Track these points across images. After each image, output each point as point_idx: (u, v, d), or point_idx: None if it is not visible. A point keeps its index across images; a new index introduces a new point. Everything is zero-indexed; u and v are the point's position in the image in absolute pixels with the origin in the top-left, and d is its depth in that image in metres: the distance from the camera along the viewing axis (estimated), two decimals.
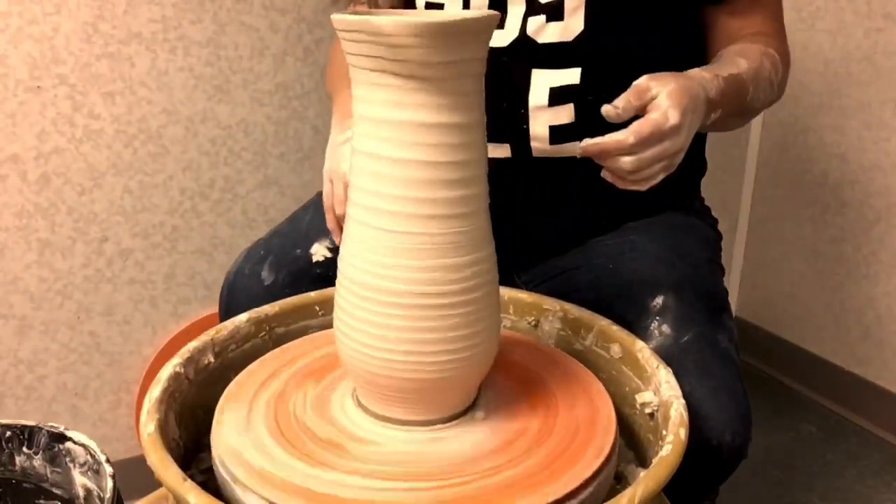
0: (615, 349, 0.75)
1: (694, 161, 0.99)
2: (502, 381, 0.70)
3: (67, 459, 0.59)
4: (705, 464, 0.74)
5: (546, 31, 0.86)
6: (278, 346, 0.78)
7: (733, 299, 1.94)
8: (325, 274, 0.90)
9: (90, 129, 1.23)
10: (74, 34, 1.19)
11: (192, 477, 0.56)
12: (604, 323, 0.77)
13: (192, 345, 0.73)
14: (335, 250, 0.91)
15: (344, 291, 0.61)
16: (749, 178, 1.87)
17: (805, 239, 1.77)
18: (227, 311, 0.94)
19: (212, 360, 0.74)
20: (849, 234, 1.67)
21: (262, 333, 0.80)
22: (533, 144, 0.89)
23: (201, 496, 0.53)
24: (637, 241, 0.89)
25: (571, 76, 0.86)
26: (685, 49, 0.92)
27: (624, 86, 0.82)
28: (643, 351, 0.72)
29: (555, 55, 0.87)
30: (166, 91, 1.27)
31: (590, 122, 0.87)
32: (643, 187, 0.71)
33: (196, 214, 1.35)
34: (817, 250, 1.75)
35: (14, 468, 0.65)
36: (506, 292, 0.83)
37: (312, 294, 0.83)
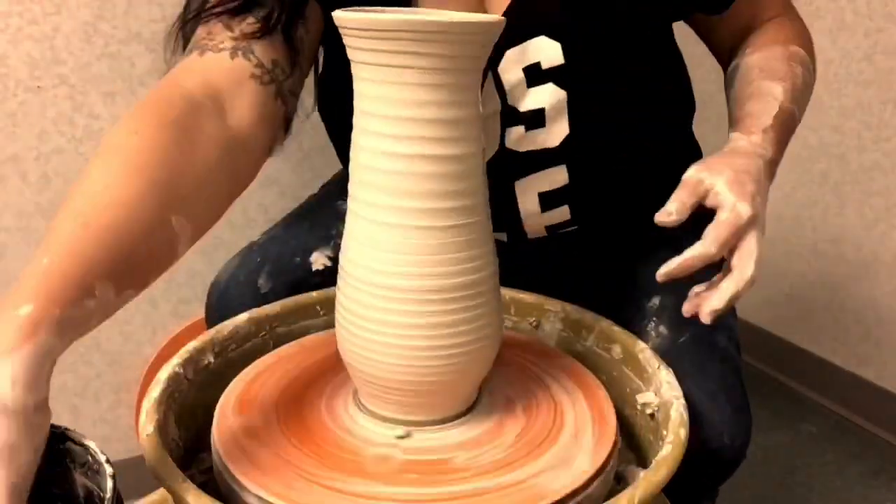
0: (616, 350, 0.75)
1: (692, 160, 0.98)
2: (503, 382, 0.70)
3: (67, 459, 0.59)
4: (704, 465, 0.74)
5: (526, 141, 0.79)
6: (279, 346, 0.78)
7: None
8: (324, 283, 0.87)
9: (90, 129, 1.23)
10: (74, 34, 1.19)
11: (191, 477, 0.56)
12: (605, 324, 0.77)
13: (192, 345, 0.73)
14: (335, 259, 0.88)
15: (345, 288, 0.61)
16: None
17: (805, 239, 1.77)
18: (219, 319, 0.84)
19: (212, 360, 0.74)
20: (849, 234, 1.67)
21: (263, 333, 0.80)
22: (529, 235, 0.86)
23: (201, 496, 0.53)
24: (636, 242, 0.89)
25: (558, 176, 0.81)
26: (677, 103, 0.88)
27: (618, 173, 0.78)
28: (644, 352, 0.72)
29: (535, 161, 0.80)
30: None
31: (588, 219, 0.85)
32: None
33: None
34: (817, 250, 1.75)
35: None
36: (507, 293, 0.83)
37: (314, 294, 0.83)
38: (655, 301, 0.82)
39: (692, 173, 0.66)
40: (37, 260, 0.53)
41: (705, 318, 0.64)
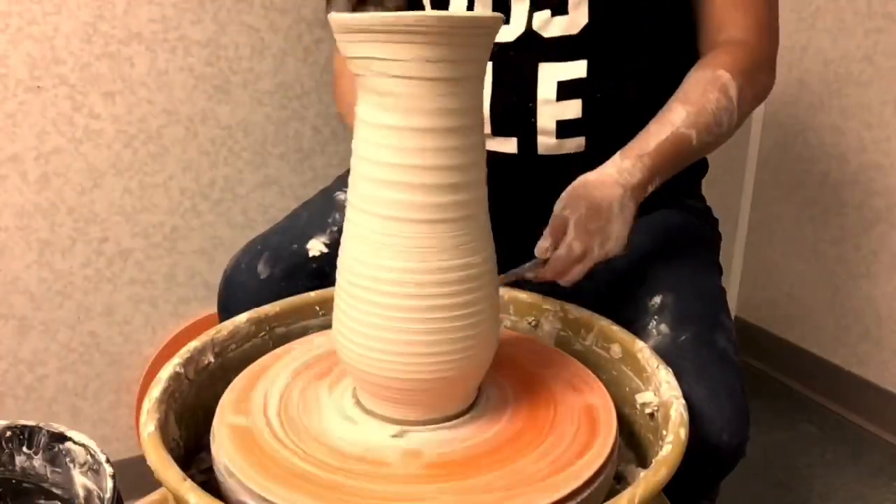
0: (615, 349, 0.75)
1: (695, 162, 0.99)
2: (502, 381, 0.70)
3: (67, 459, 0.59)
4: (704, 463, 0.74)
5: (551, 26, 0.88)
6: (278, 346, 0.78)
7: (733, 299, 1.94)
8: (321, 269, 0.91)
9: (90, 129, 1.23)
10: (74, 34, 1.19)
11: (192, 477, 0.56)
12: (604, 323, 0.77)
13: (192, 345, 0.73)
14: (331, 245, 0.92)
15: (343, 293, 0.61)
16: (749, 178, 1.87)
17: (805, 239, 1.77)
18: (224, 306, 0.94)
19: (212, 360, 0.74)
20: (849, 235, 1.67)
21: (262, 333, 0.80)
22: (539, 139, 0.90)
23: (201, 496, 0.53)
24: (635, 240, 0.89)
25: (578, 69, 0.88)
26: (688, 34, 0.93)
27: (629, 78, 0.85)
28: (643, 351, 0.72)
29: (561, 48, 0.88)
30: (166, 91, 1.27)
31: (596, 118, 0.89)
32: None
33: (196, 214, 1.35)
34: (817, 250, 1.75)
35: (14, 468, 0.65)
36: (506, 292, 0.84)
37: (312, 294, 0.83)
38: (657, 300, 0.82)
39: (557, 211, 0.77)
40: None
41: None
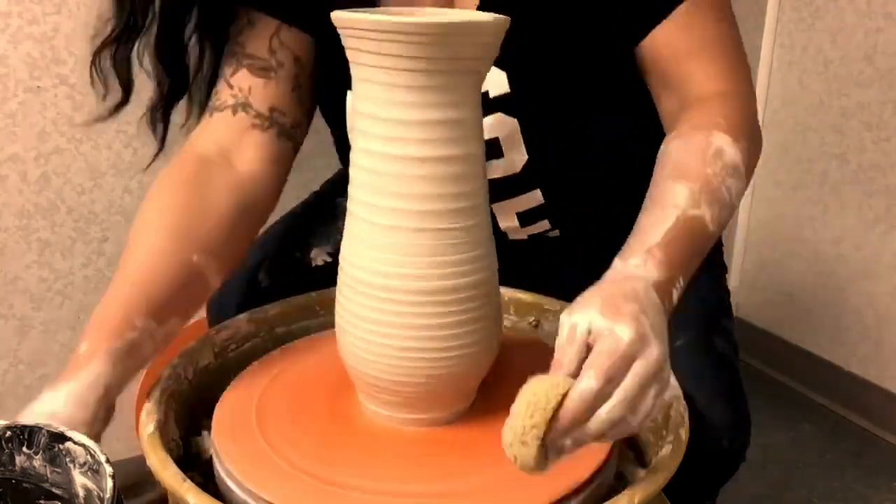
0: None
1: None
2: (502, 382, 0.70)
3: (67, 459, 0.59)
4: (705, 468, 0.74)
5: (491, 169, 0.77)
6: (278, 346, 0.78)
7: (733, 299, 1.93)
8: (324, 279, 0.87)
9: (90, 129, 1.23)
10: (74, 34, 1.18)
11: (191, 477, 0.56)
12: None
13: (192, 345, 0.73)
14: (335, 255, 0.89)
15: (345, 289, 0.61)
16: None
17: (805, 239, 1.77)
18: (217, 315, 0.89)
19: (211, 360, 0.74)
20: (849, 234, 1.67)
21: (262, 333, 0.80)
22: (511, 238, 0.87)
23: (200, 496, 0.53)
24: None
25: (534, 198, 0.82)
26: (648, 119, 0.81)
27: (592, 183, 0.77)
28: None
29: (508, 187, 0.81)
30: None
31: (569, 230, 0.87)
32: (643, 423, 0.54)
33: None
34: (817, 250, 1.75)
35: (14, 468, 0.65)
36: (506, 292, 0.83)
37: (313, 294, 0.83)
38: None
39: (564, 319, 0.56)
40: (95, 311, 0.66)
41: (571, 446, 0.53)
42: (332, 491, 0.56)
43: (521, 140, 0.78)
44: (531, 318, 0.83)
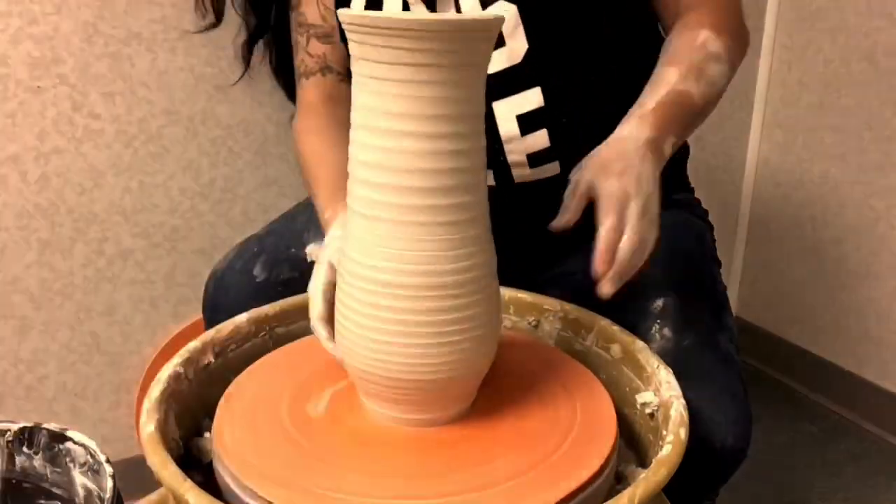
0: (615, 349, 0.75)
1: None
2: (502, 381, 0.70)
3: (67, 459, 0.59)
4: (706, 466, 0.74)
5: (492, 61, 0.81)
6: (278, 346, 0.78)
7: (733, 299, 1.94)
8: None
9: (90, 129, 1.23)
10: (74, 34, 1.18)
11: (191, 477, 0.56)
12: (604, 323, 0.77)
13: (192, 345, 0.73)
14: None
15: (344, 285, 0.61)
16: (749, 179, 1.87)
17: (805, 239, 1.77)
18: (213, 307, 0.93)
19: (212, 360, 0.74)
20: (849, 234, 1.67)
21: (262, 333, 0.80)
22: (514, 171, 0.89)
23: (201, 496, 0.53)
24: None
25: (534, 98, 0.85)
26: (646, 31, 0.91)
27: (591, 95, 0.82)
28: (643, 351, 0.72)
29: (508, 81, 0.85)
30: (166, 91, 1.27)
31: (566, 144, 0.88)
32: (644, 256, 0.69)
33: (196, 214, 1.35)
34: (817, 250, 1.75)
35: (14, 468, 0.65)
36: (506, 292, 0.83)
37: None
38: (658, 303, 0.82)
39: (570, 179, 0.73)
40: (322, 185, 0.84)
41: (607, 289, 0.67)
42: (332, 491, 0.56)
43: (521, 26, 0.84)
44: (531, 318, 0.83)
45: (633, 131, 0.73)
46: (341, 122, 0.84)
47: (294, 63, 1.01)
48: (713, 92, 0.81)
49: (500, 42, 0.84)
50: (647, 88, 0.79)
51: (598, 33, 0.87)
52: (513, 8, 0.83)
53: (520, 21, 0.83)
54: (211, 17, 1.16)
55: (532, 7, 0.83)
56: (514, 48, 0.84)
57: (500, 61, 0.84)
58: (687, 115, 0.78)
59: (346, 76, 0.95)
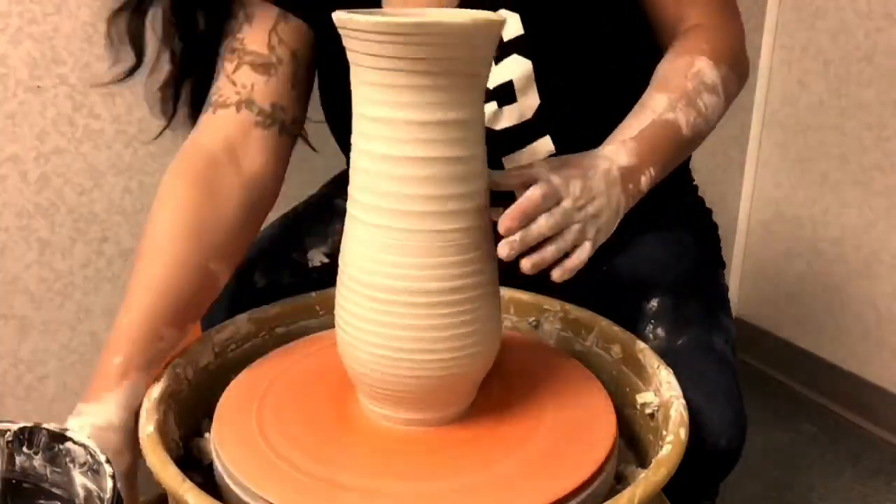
0: (616, 349, 0.75)
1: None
2: (502, 382, 0.70)
3: (67, 459, 0.59)
4: (701, 467, 0.74)
5: (502, 117, 0.80)
6: (278, 346, 0.78)
7: (733, 299, 1.93)
8: (321, 280, 0.87)
9: (90, 129, 1.23)
10: (74, 34, 1.18)
11: (191, 477, 0.56)
12: (604, 323, 0.77)
13: (192, 345, 0.73)
14: (332, 256, 0.89)
15: (345, 290, 0.61)
16: (749, 178, 1.87)
17: (805, 239, 1.77)
18: (211, 314, 0.87)
19: (211, 360, 0.74)
20: (849, 234, 1.67)
21: (262, 333, 0.80)
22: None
23: (200, 496, 0.53)
24: (631, 241, 0.88)
25: (544, 146, 0.82)
26: (640, 51, 0.86)
27: (600, 134, 0.77)
28: (644, 351, 0.72)
29: (518, 136, 0.81)
30: None
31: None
32: (573, 263, 0.65)
33: None
34: (817, 250, 1.75)
35: (14, 468, 0.65)
36: (506, 292, 0.83)
37: (313, 294, 0.83)
38: (653, 303, 0.82)
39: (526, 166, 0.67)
40: (119, 319, 0.69)
41: (503, 251, 0.61)
42: (331, 491, 0.56)
43: (535, 83, 0.79)
44: (531, 318, 0.83)
45: (610, 153, 0.69)
46: (225, 196, 0.75)
47: (208, 93, 0.82)
48: (704, 124, 0.77)
49: (511, 97, 0.79)
50: (633, 113, 0.75)
51: (608, 80, 0.82)
52: (527, 64, 0.78)
53: (533, 78, 0.79)
54: (129, 58, 0.84)
55: (546, 63, 0.79)
56: (526, 104, 0.80)
57: (508, 118, 0.80)
58: (673, 148, 0.74)
59: (272, 122, 0.80)
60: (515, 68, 0.78)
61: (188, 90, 0.86)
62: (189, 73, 0.85)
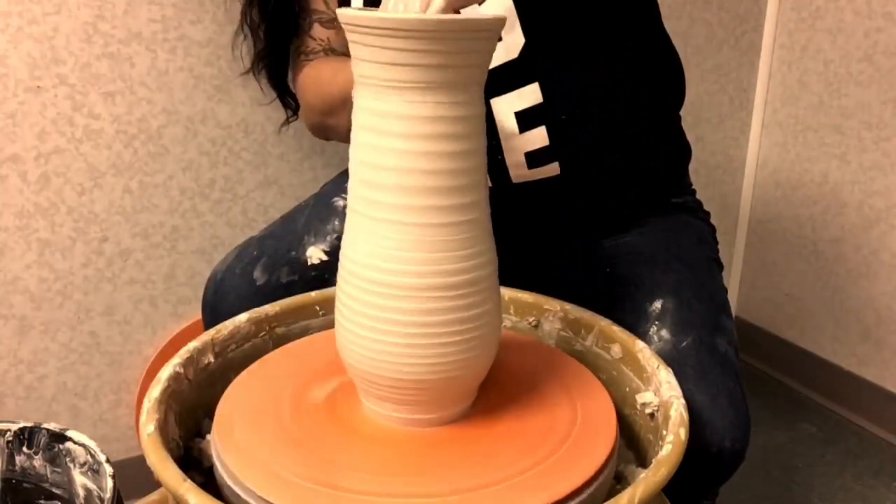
0: (615, 349, 0.75)
1: (675, 146, 0.97)
2: (502, 382, 0.70)
3: (67, 459, 0.59)
4: (704, 468, 0.74)
5: None
6: (278, 346, 0.78)
7: (733, 299, 1.94)
8: (321, 277, 0.89)
9: (90, 129, 1.23)
10: (74, 34, 1.18)
11: (191, 477, 0.56)
12: (604, 323, 0.77)
13: (192, 345, 0.73)
14: (331, 253, 0.90)
15: (345, 285, 0.61)
16: (749, 178, 1.87)
17: (805, 239, 1.77)
18: (213, 311, 0.92)
19: (212, 360, 0.74)
20: (849, 234, 1.67)
21: (263, 333, 0.80)
22: (511, 172, 0.88)
23: (201, 496, 0.53)
24: (633, 243, 0.88)
25: (532, 94, 0.84)
26: (641, 29, 0.89)
27: (591, 95, 0.79)
28: (643, 351, 0.72)
29: (506, 77, 0.84)
30: (166, 91, 1.27)
31: (565, 143, 0.87)
32: None
33: (196, 214, 1.35)
34: (817, 250, 1.75)
35: (14, 468, 0.65)
36: (506, 292, 0.83)
37: (313, 294, 0.83)
38: (657, 305, 0.82)
39: None
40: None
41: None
42: (331, 491, 0.56)
43: (518, 20, 0.82)
44: (531, 318, 0.83)
45: None
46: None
47: (292, 47, 1.01)
48: None
49: None
50: None
51: (596, 27, 0.85)
52: (508, 1, 0.81)
53: (516, 15, 0.82)
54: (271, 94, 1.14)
55: (528, 0, 0.82)
56: (511, 43, 0.82)
57: (497, 56, 0.82)
58: None
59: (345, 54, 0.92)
60: (497, 6, 0.81)
61: (274, 61, 1.08)
62: (276, 44, 1.06)
